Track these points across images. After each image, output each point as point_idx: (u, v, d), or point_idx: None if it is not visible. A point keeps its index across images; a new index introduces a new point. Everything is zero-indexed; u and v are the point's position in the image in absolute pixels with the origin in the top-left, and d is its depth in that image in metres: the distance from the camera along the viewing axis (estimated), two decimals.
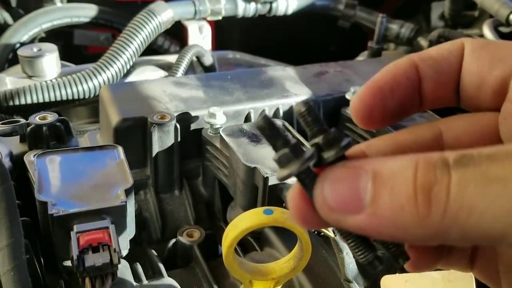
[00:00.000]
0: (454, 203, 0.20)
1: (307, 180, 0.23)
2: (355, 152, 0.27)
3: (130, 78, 1.00)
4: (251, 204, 0.61)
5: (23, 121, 0.59)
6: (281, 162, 0.23)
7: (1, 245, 0.41)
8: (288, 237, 0.61)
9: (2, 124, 0.57)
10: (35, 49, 0.93)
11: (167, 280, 0.56)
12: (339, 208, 0.22)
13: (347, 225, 0.22)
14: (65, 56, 1.46)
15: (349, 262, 0.51)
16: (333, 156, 0.23)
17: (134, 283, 0.50)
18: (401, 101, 0.27)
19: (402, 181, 0.21)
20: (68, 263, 0.50)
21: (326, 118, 0.79)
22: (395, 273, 0.49)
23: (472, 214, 0.20)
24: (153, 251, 0.61)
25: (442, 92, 0.28)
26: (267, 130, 0.24)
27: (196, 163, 0.73)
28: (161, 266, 0.57)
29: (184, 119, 0.69)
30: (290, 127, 0.67)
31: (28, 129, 0.62)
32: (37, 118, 0.63)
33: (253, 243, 0.65)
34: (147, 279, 0.55)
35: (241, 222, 0.41)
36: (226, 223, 0.68)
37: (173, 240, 0.63)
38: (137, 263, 0.57)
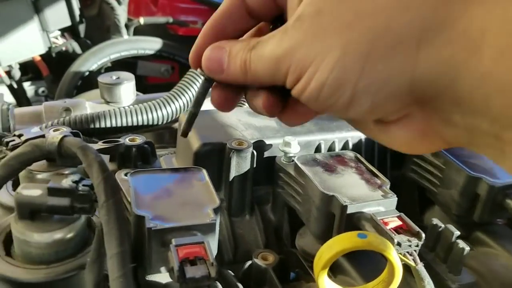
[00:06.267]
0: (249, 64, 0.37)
1: None
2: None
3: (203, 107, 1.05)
4: (325, 231, 0.63)
5: (121, 141, 0.63)
6: None
7: (111, 253, 0.44)
8: (360, 264, 0.62)
9: (103, 143, 0.62)
10: (114, 77, 1.00)
11: None
12: (213, 69, 0.40)
13: (219, 78, 0.40)
14: None
15: None
16: None
17: None
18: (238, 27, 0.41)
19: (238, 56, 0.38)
20: (151, 277, 0.53)
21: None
22: None
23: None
24: (230, 271, 0.63)
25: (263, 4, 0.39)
26: None
27: (266, 190, 0.76)
28: (240, 286, 0.59)
29: (259, 146, 0.73)
30: (362, 159, 0.69)
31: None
32: (127, 139, 0.68)
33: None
34: None
35: (336, 244, 0.44)
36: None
37: (249, 262, 0.65)
38: (217, 282, 0.59)
